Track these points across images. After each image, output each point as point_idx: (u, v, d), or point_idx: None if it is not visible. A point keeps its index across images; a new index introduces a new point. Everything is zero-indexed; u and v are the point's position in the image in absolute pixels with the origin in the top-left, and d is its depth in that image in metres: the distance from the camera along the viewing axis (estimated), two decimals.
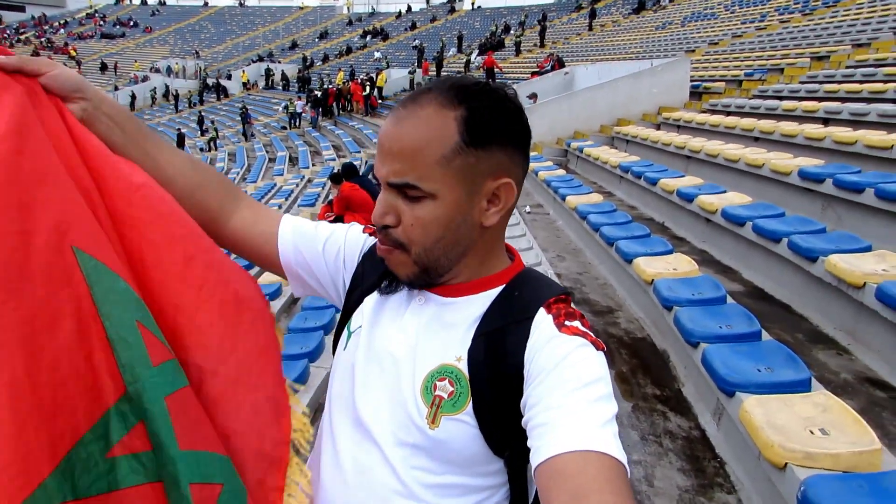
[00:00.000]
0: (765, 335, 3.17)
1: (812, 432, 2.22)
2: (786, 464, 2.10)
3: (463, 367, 0.88)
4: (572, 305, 0.93)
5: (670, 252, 4.59)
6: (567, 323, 0.86)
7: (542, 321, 0.87)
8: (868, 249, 3.80)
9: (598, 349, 0.84)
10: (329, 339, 4.66)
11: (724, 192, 5.75)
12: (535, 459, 0.74)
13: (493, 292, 0.93)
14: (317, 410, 3.91)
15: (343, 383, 0.99)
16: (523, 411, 0.83)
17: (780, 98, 9.63)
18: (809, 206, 5.42)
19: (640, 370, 3.77)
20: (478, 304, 0.92)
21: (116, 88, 40.20)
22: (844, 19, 14.23)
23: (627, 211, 6.44)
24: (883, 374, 3.19)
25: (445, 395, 0.87)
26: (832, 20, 14.73)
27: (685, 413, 3.26)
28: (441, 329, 0.92)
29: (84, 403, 0.72)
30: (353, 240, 1.10)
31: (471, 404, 0.86)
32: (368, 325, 0.99)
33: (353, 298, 1.05)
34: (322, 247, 1.08)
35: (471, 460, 0.87)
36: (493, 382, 0.86)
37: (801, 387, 2.56)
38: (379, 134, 0.89)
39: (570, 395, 0.77)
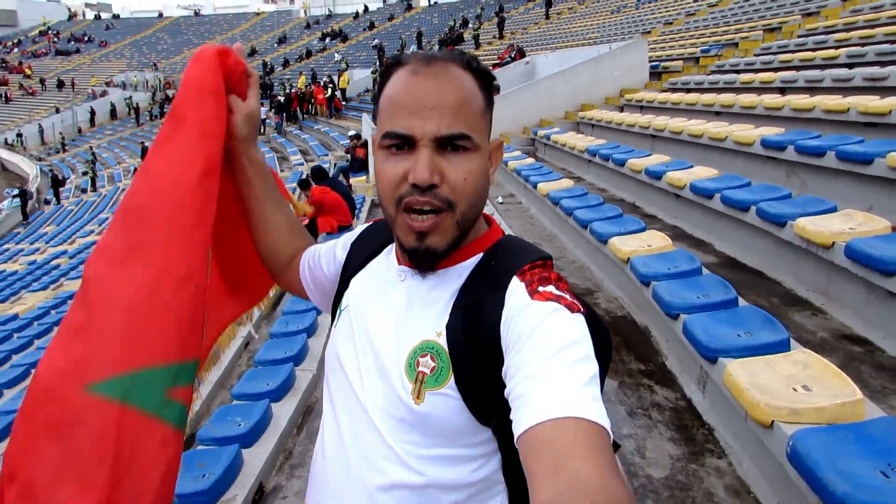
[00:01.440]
0: (741, 302, 3.22)
1: (795, 389, 2.28)
2: (772, 422, 2.15)
3: (443, 342, 0.89)
4: (552, 269, 0.94)
5: (643, 230, 4.65)
6: (540, 289, 0.86)
7: (516, 289, 0.88)
8: (834, 210, 3.89)
9: (573, 311, 0.84)
10: (312, 342, 4.63)
11: (691, 167, 5.84)
12: (516, 431, 0.75)
13: (472, 262, 0.95)
14: (305, 413, 3.89)
15: (336, 360, 1.02)
16: (505, 381, 0.83)
17: (737, 72, 9.79)
18: (774, 173, 5.53)
19: (623, 347, 3.81)
20: (456, 275, 0.94)
21: (75, 105, 39.37)
22: None
23: (598, 194, 6.51)
24: (858, 330, 3.27)
25: (428, 371, 0.88)
26: None
27: (670, 385, 3.31)
28: (423, 305, 0.94)
29: (180, 340, 0.99)
30: (345, 239, 1.18)
31: (452, 378, 0.87)
32: (356, 304, 1.02)
33: (343, 280, 1.10)
34: (322, 260, 1.19)
35: (458, 432, 0.89)
36: (472, 355, 0.87)
37: (781, 347, 2.62)
38: (404, 94, 0.88)
39: (545, 362, 0.77)
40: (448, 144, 0.86)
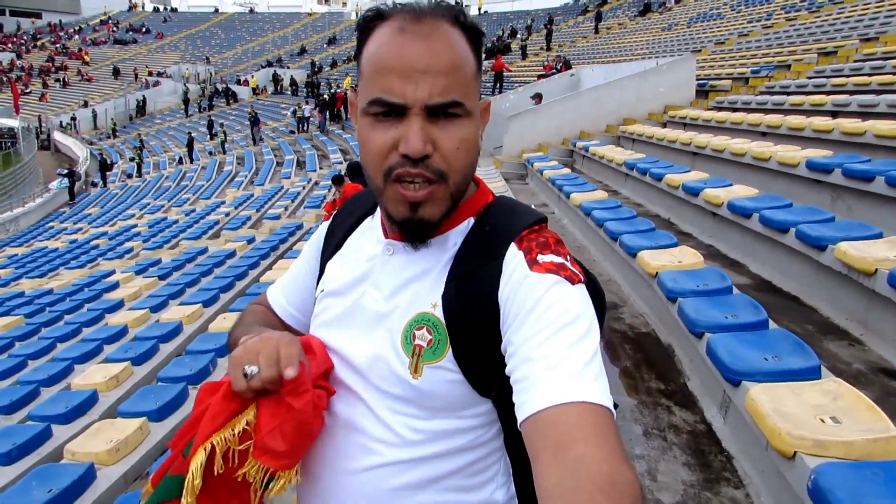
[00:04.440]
0: (772, 325, 3.05)
1: (823, 420, 2.11)
2: (794, 452, 1.99)
3: (439, 313, 0.86)
4: (548, 229, 0.90)
5: (675, 245, 4.48)
6: (540, 258, 0.83)
7: (514, 258, 0.84)
8: (879, 237, 3.67)
9: (574, 283, 0.81)
10: None
11: (730, 185, 5.63)
12: (519, 416, 0.74)
13: (464, 228, 0.91)
14: None
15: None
16: (504, 356, 0.81)
17: (788, 93, 9.50)
18: (818, 197, 5.28)
19: (645, 365, 3.66)
20: (449, 243, 0.90)
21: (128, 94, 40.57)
22: (852, 15, 14.04)
23: (633, 208, 6.33)
24: None
25: (425, 344, 0.86)
26: (839, 16, 14.56)
27: (690, 407, 3.15)
28: (415, 277, 0.90)
29: None
30: (314, 240, 1.11)
31: (450, 351, 0.85)
32: (337, 286, 0.97)
33: (322, 267, 1.05)
34: (302, 278, 1.11)
35: (457, 404, 0.87)
36: (469, 326, 0.84)
37: (811, 374, 2.44)
38: (392, 56, 0.80)
39: (547, 342, 0.75)
40: (441, 112, 0.80)
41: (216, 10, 69.05)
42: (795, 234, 4.01)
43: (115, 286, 8.72)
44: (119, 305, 7.51)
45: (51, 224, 20.00)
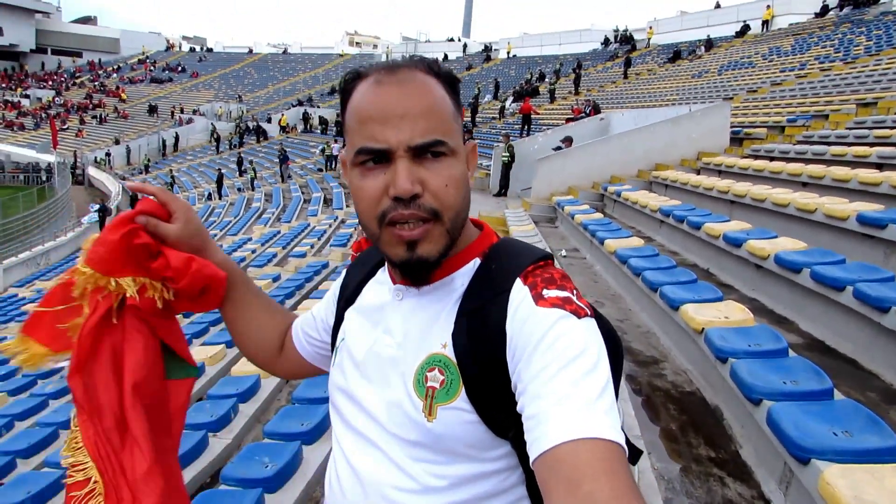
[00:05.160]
0: (836, 394, 2.82)
1: None
2: None
3: (449, 353, 0.86)
4: (555, 266, 0.91)
5: (720, 299, 4.27)
6: (545, 293, 0.83)
7: (519, 293, 0.84)
8: None
9: (580, 317, 0.80)
10: None
11: (776, 237, 5.41)
12: (531, 455, 0.73)
13: (470, 268, 0.92)
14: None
15: (340, 395, 0.99)
16: (515, 394, 0.81)
17: (828, 143, 9.29)
18: (870, 253, 5.04)
19: (691, 428, 3.42)
20: (456, 283, 0.91)
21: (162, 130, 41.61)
22: (890, 67, 13.90)
23: (669, 256, 6.12)
24: None
25: (437, 385, 0.86)
26: (876, 68, 14.42)
27: (745, 479, 2.90)
28: (425, 319, 0.91)
29: None
30: (336, 284, 1.14)
31: (463, 390, 0.84)
32: (353, 334, 1.00)
33: (339, 314, 1.07)
34: (324, 313, 1.15)
35: (475, 447, 0.85)
36: (480, 364, 0.84)
37: (889, 455, 2.21)
38: (371, 105, 0.84)
39: (554, 378, 0.74)
40: (425, 152, 0.83)
41: (250, 51, 71.10)
42: (853, 293, 3.78)
43: None
44: None
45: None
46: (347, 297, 1.06)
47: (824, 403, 2.67)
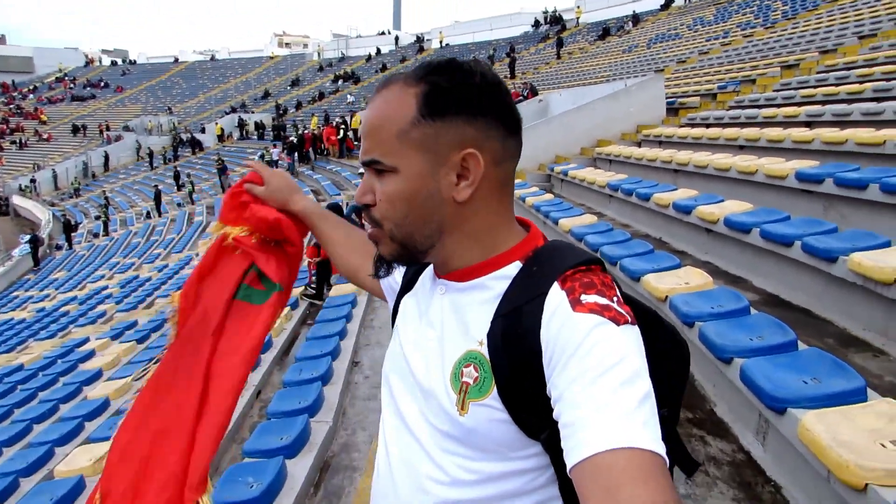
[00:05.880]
0: (799, 344, 2.96)
1: (884, 446, 2.00)
2: (866, 485, 1.87)
3: (484, 350, 0.87)
4: (601, 272, 0.88)
5: (678, 266, 4.41)
6: (583, 299, 0.81)
7: (555, 297, 0.83)
8: (888, 245, 3.63)
9: (619, 324, 0.79)
10: (327, 391, 4.36)
11: (722, 200, 5.60)
12: (568, 463, 0.73)
13: (511, 270, 0.91)
14: (322, 469, 3.61)
15: (386, 381, 1.04)
16: (551, 398, 0.80)
17: (758, 107, 9.66)
18: (810, 207, 5.28)
19: None
20: (496, 284, 0.91)
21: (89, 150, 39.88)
22: (807, 29, 14.50)
23: (622, 229, 6.27)
24: None
25: (471, 381, 0.87)
26: (794, 31, 15.02)
27: (724, 435, 3.03)
28: (463, 315, 0.92)
29: None
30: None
31: (495, 388, 0.85)
32: (402, 324, 1.05)
33: (396, 303, 1.12)
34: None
35: (505, 445, 0.86)
36: (513, 364, 0.84)
37: (858, 396, 2.34)
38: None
39: (591, 386, 0.74)
40: (372, 168, 0.91)
41: (176, 60, 68.90)
42: (802, 246, 3.96)
43: (91, 355, 8.30)
44: (97, 376, 7.10)
45: (15, 293, 19.27)
46: (406, 283, 1.11)
47: (791, 355, 2.80)
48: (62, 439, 5.19)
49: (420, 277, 1.07)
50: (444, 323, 0.94)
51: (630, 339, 0.79)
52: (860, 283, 3.45)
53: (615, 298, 0.83)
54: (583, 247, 5.71)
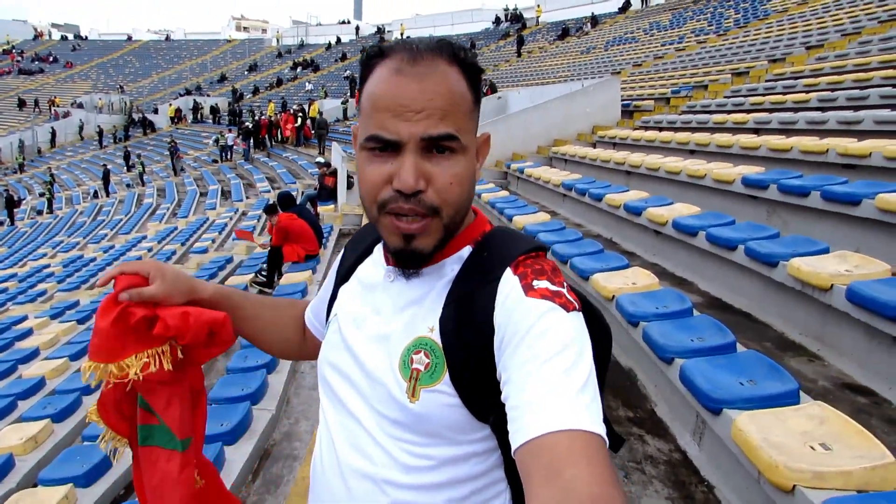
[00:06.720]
0: (738, 346, 3.02)
1: (813, 448, 2.05)
2: (794, 486, 1.91)
3: (436, 336, 0.87)
4: (547, 258, 0.91)
5: (627, 266, 4.46)
6: (535, 284, 0.83)
7: (508, 283, 0.85)
8: (826, 251, 3.75)
9: (568, 310, 0.81)
10: (272, 378, 4.29)
11: (672, 203, 5.71)
12: (513, 444, 0.74)
13: (462, 254, 0.92)
14: (262, 457, 3.53)
15: (328, 369, 1.00)
16: (499, 382, 0.81)
17: (709, 112, 9.89)
18: (754, 212, 5.43)
19: (609, 391, 3.55)
20: (447, 269, 0.91)
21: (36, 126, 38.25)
22: (757, 38, 14.93)
23: (574, 228, 6.33)
24: (859, 379, 3.09)
25: (422, 368, 0.86)
26: (745, 39, 15.46)
27: (663, 435, 3.07)
28: (414, 302, 0.91)
29: None
30: (334, 266, 1.15)
31: (447, 374, 0.85)
32: (344, 312, 1.00)
33: (334, 292, 1.08)
34: (323, 302, 1.14)
35: (455, 429, 0.86)
36: (465, 350, 0.84)
37: (790, 399, 2.40)
38: (388, 96, 0.82)
39: (539, 370, 0.75)
40: (434, 146, 0.82)
41: (129, 38, 66.71)
42: (744, 251, 4.06)
43: (29, 333, 7.98)
44: (34, 355, 6.83)
45: None
46: (343, 275, 1.07)
47: (729, 356, 2.85)
48: None
49: (360, 266, 1.05)
50: (392, 310, 0.92)
51: (577, 326, 0.81)
52: (798, 289, 3.55)
53: (564, 285, 0.85)
54: None
